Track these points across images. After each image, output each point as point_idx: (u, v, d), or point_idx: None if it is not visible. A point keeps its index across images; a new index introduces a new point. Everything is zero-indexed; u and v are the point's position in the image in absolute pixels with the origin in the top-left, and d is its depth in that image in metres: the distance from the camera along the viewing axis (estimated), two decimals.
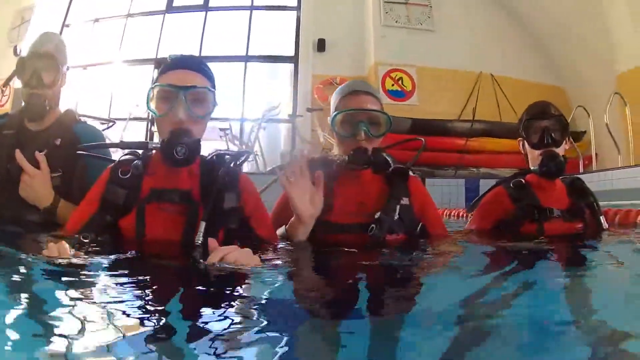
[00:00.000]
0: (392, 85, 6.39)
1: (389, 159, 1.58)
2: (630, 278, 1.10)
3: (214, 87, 1.28)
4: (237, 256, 0.95)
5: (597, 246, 1.57)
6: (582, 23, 6.81)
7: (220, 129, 6.67)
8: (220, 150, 1.37)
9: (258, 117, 6.35)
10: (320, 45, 6.60)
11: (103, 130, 2.59)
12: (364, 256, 1.28)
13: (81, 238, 1.12)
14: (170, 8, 7.86)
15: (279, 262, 1.14)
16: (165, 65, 1.27)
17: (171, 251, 1.21)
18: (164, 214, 1.22)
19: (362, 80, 1.74)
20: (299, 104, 6.43)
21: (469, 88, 6.51)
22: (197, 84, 1.22)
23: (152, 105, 1.23)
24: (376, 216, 1.39)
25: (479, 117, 6.30)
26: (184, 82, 1.20)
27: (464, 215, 3.40)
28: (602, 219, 1.70)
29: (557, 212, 1.65)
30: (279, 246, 1.33)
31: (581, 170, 5.77)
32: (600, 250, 1.53)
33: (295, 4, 7.03)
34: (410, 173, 1.53)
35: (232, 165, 1.30)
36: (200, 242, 1.16)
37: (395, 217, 1.41)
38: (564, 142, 1.68)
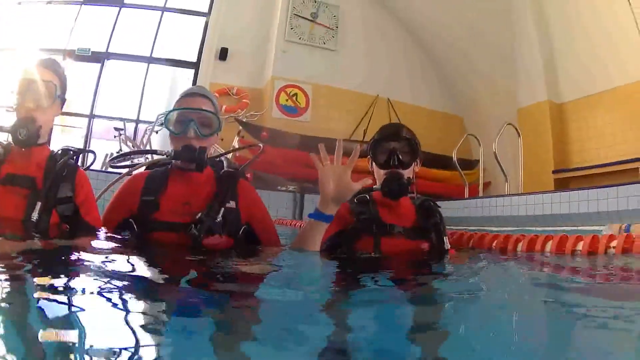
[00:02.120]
0: (286, 100, 6.44)
1: (224, 162, 1.65)
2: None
3: (63, 84, 1.54)
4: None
5: (431, 264, 1.64)
6: (488, 56, 7.05)
7: (115, 129, 6.58)
8: (67, 146, 1.57)
9: (152, 120, 6.30)
10: (222, 54, 6.58)
11: None
12: (181, 255, 1.39)
13: None
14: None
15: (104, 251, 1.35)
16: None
17: (13, 227, 1.41)
18: (12, 196, 1.42)
19: (202, 86, 1.84)
20: None
21: (364, 110, 6.62)
22: (45, 79, 1.46)
23: (13, 97, 1.46)
24: (197, 216, 1.45)
25: (370, 138, 6.40)
26: (34, 77, 1.44)
27: None
28: (445, 239, 1.72)
29: (399, 229, 1.67)
30: (104, 235, 1.51)
31: (466, 196, 5.95)
32: (433, 269, 1.61)
33: (206, 9, 7.00)
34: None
35: (71, 159, 1.52)
36: (35, 219, 1.40)
37: (218, 219, 1.46)
38: (413, 164, 1.69)
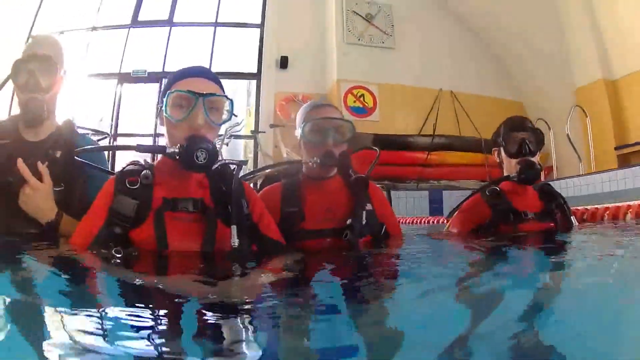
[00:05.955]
0: (354, 101, 6.48)
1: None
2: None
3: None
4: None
5: (570, 239, 1.77)
6: (541, 39, 7.06)
7: None
8: (222, 159, 1.37)
9: (221, 133, 6.36)
10: (283, 63, 6.65)
11: (98, 140, 2.51)
12: (344, 258, 1.45)
13: (113, 252, 1.12)
14: (135, 22, 7.80)
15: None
16: (179, 73, 1.27)
17: (195, 260, 1.20)
18: (179, 223, 1.21)
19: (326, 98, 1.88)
20: (261, 120, 6.45)
21: (429, 104, 6.65)
22: (214, 92, 1.22)
23: (168, 111, 1.21)
24: (348, 222, 1.51)
25: (439, 132, 6.44)
26: (202, 89, 1.20)
27: (440, 221, 3.88)
28: (572, 218, 1.87)
29: (531, 215, 1.81)
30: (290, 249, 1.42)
31: (542, 179, 5.96)
32: (574, 243, 1.76)
33: (259, 21, 7.07)
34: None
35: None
36: (235, 245, 1.18)
37: (363, 222, 1.53)
38: (538, 152, 1.84)
